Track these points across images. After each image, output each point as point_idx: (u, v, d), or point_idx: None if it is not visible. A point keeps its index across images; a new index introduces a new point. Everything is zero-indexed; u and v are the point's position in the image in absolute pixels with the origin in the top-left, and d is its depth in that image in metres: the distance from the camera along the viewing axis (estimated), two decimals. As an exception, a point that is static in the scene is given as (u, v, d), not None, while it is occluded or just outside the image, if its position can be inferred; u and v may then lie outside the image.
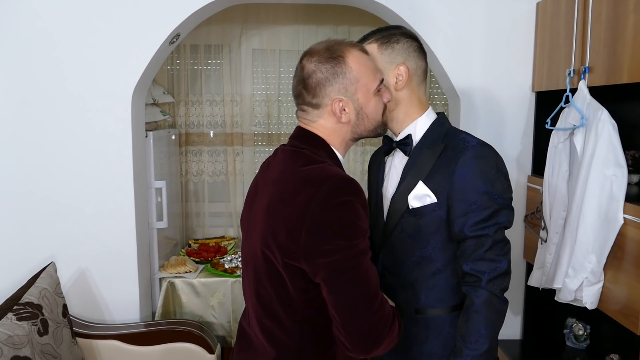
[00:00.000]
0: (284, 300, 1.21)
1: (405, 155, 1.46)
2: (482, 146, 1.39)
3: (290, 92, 1.50)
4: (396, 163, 1.51)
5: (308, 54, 1.27)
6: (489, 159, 1.38)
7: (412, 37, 1.47)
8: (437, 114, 1.50)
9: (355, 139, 1.33)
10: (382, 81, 1.31)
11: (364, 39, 1.48)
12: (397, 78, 1.43)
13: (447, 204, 1.39)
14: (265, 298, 1.24)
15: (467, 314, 1.35)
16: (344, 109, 1.25)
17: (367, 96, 1.27)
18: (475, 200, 1.35)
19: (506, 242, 1.39)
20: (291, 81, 1.35)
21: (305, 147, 1.26)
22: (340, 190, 1.14)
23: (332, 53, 1.24)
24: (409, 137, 1.46)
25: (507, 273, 1.37)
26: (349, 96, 1.24)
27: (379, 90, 1.30)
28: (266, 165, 1.35)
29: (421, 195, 1.41)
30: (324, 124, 1.27)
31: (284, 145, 1.34)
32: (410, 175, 1.43)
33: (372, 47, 1.43)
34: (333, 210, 1.12)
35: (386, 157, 1.56)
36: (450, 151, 1.40)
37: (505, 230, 1.40)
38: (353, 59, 1.25)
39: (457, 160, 1.37)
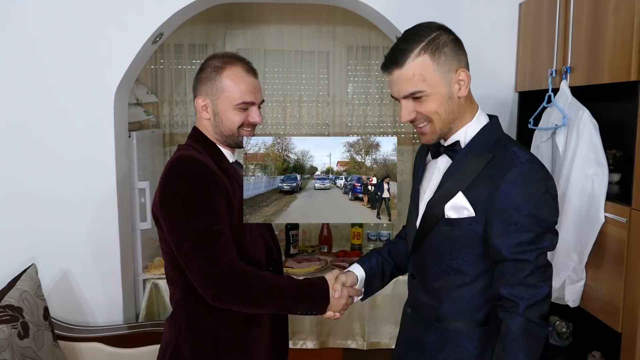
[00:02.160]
0: (173, 263, 1.48)
1: (451, 159, 1.37)
2: (533, 164, 1.28)
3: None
4: (440, 165, 1.41)
5: (211, 56, 1.54)
6: (538, 179, 1.26)
7: (449, 32, 1.34)
8: (490, 117, 1.40)
9: (221, 140, 1.53)
10: (252, 103, 1.50)
11: (403, 50, 1.30)
12: (459, 84, 1.31)
13: (485, 219, 1.29)
14: (165, 267, 1.57)
15: (504, 341, 1.25)
16: (206, 109, 1.51)
17: (225, 106, 1.49)
18: (517, 221, 1.24)
19: (548, 267, 1.28)
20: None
21: (190, 141, 1.53)
22: (175, 167, 1.42)
23: (219, 63, 1.49)
24: (456, 143, 1.37)
25: (547, 298, 1.26)
26: (211, 99, 1.50)
27: (244, 109, 1.49)
28: None
29: (459, 207, 1.32)
30: (199, 117, 1.54)
31: None
32: (450, 182, 1.34)
33: (424, 59, 1.28)
34: (169, 183, 1.41)
35: (432, 158, 1.45)
36: (497, 163, 1.28)
37: None
38: (230, 73, 1.48)
39: (503, 175, 1.25)
